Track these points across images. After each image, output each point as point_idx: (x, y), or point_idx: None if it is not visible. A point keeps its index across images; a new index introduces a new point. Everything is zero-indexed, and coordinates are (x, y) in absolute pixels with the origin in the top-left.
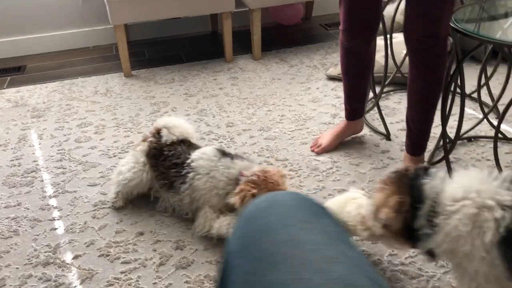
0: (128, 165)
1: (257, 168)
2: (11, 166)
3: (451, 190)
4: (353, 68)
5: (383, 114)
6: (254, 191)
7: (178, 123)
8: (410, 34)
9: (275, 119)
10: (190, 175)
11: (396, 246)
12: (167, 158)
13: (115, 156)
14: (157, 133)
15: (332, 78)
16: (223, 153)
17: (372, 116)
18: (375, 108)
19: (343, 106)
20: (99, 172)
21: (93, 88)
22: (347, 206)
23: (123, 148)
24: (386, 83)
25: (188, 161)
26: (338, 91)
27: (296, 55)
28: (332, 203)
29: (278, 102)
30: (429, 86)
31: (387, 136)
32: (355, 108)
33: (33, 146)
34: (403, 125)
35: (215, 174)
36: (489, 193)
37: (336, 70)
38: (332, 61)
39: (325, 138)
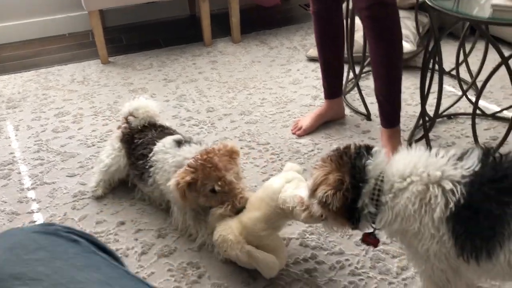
0: (107, 152)
1: (202, 149)
2: None
3: (398, 167)
4: (325, 36)
5: (363, 94)
6: (188, 178)
7: (139, 105)
8: (358, 3)
9: (256, 103)
10: (152, 169)
11: (335, 228)
12: (137, 147)
13: (93, 145)
14: (126, 121)
15: (312, 59)
16: (179, 143)
17: (352, 97)
18: (355, 88)
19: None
20: (78, 162)
21: (69, 76)
22: (281, 193)
23: (101, 137)
24: (366, 63)
25: (151, 154)
26: (318, 72)
27: (276, 37)
28: (267, 190)
29: (258, 85)
30: (388, 55)
31: (368, 116)
32: (332, 84)
33: (9, 137)
34: None
35: (166, 167)
36: (437, 167)
37: (316, 50)
38: (312, 42)
39: (306, 120)
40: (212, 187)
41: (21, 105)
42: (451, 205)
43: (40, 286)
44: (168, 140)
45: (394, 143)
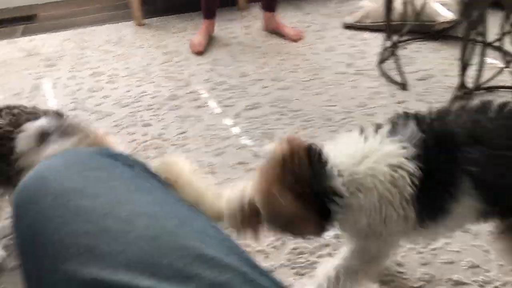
0: None
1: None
2: None
3: (344, 161)
4: None
5: (401, 64)
6: None
7: None
8: None
9: (289, 69)
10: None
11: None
12: None
13: (127, 105)
14: None
15: (348, 27)
16: (43, 135)
17: (389, 66)
18: (392, 57)
19: (358, 55)
20: (113, 121)
21: (105, 37)
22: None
23: (135, 97)
24: (405, 31)
25: (13, 155)
26: (354, 39)
27: (311, 3)
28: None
29: (292, 51)
30: None
31: (404, 86)
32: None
33: (47, 95)
34: (421, 74)
35: None
36: (386, 153)
37: (352, 18)
38: (348, 8)
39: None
40: None
41: (58, 63)
42: (415, 180)
43: (97, 201)
44: (27, 137)
45: (276, 21)
